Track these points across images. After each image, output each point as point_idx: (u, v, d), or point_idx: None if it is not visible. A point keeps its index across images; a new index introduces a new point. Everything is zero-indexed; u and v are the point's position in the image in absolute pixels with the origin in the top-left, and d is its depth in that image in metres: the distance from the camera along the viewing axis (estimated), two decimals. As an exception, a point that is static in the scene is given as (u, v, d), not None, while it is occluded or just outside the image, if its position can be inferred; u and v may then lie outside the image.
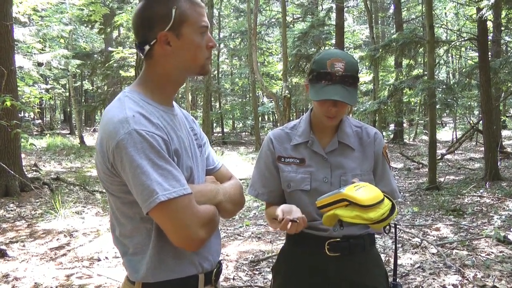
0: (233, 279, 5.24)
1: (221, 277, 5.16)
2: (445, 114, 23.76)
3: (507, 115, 27.08)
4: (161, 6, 1.67)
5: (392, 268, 2.40)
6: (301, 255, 2.29)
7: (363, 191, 1.88)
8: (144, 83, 1.76)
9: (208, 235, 1.66)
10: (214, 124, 37.59)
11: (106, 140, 1.57)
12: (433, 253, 5.86)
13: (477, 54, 12.27)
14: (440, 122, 32.73)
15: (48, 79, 28.88)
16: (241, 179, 12.43)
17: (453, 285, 4.84)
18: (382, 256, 5.68)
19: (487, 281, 4.88)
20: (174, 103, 1.85)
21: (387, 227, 2.02)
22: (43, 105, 34.90)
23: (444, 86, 12.02)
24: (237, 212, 1.97)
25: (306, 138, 2.30)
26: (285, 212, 2.00)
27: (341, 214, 1.87)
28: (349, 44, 31.00)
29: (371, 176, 2.27)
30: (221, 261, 1.94)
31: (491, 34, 14.37)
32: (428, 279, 5.01)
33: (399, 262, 5.54)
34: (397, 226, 2.12)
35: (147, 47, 1.69)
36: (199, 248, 1.66)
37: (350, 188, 1.89)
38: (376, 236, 6.59)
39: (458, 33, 16.01)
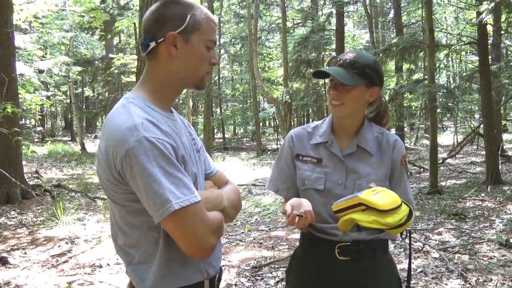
0: (235, 285, 5.23)
1: (224, 283, 5.17)
2: (446, 118, 23.72)
3: (508, 118, 27.06)
4: (177, 8, 1.69)
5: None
6: (312, 257, 2.32)
7: (381, 196, 1.89)
8: (146, 87, 1.75)
9: (217, 241, 1.66)
10: (215, 130, 37.62)
11: (112, 148, 1.55)
12: (435, 258, 5.85)
13: (477, 58, 12.28)
14: (441, 126, 32.70)
15: (49, 86, 28.94)
16: (242, 185, 12.48)
17: (455, 289, 4.84)
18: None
19: (490, 285, 4.88)
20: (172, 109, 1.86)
21: (404, 233, 2.02)
22: (44, 112, 34.96)
23: (444, 90, 12.02)
24: (236, 216, 1.99)
25: (326, 138, 2.32)
26: (294, 206, 2.03)
27: (358, 219, 1.87)
28: (350, 49, 31.02)
29: (387, 183, 2.26)
30: (221, 266, 1.95)
31: (491, 38, 14.37)
32: (430, 284, 5.00)
33: (401, 266, 5.54)
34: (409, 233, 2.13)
35: (152, 43, 1.69)
36: (209, 255, 1.66)
37: (367, 193, 1.89)
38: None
39: (458, 37, 16.03)
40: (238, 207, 1.95)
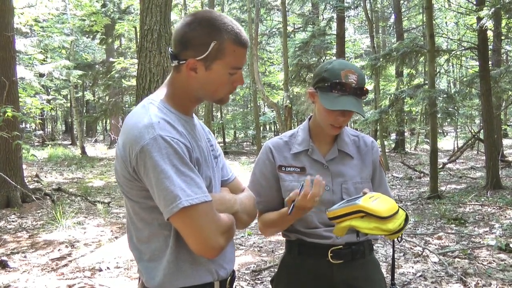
0: (235, 289, 5.23)
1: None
2: (446, 123, 23.69)
3: (508, 124, 27.07)
4: (203, 33, 1.67)
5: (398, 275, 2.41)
6: (304, 264, 2.30)
7: (380, 203, 1.90)
8: (167, 91, 1.79)
9: (227, 243, 1.68)
10: (216, 134, 37.60)
11: (129, 144, 1.60)
12: (434, 262, 5.85)
13: (477, 63, 12.29)
14: (441, 131, 32.69)
15: (49, 90, 28.93)
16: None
17: (455, 294, 4.84)
18: (384, 264, 5.67)
19: (489, 290, 4.88)
20: (193, 114, 1.88)
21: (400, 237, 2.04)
22: (44, 116, 34.96)
23: (445, 95, 12.05)
24: (250, 223, 1.99)
25: (306, 146, 2.32)
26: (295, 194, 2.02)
27: (359, 226, 1.88)
28: (350, 54, 31.00)
29: (370, 184, 2.31)
30: (234, 270, 1.95)
31: (492, 43, 14.39)
32: (430, 288, 5.01)
33: (401, 271, 5.55)
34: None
35: (175, 62, 1.72)
36: (217, 255, 1.67)
37: (366, 200, 1.89)
38: (378, 244, 6.59)
39: (458, 42, 16.02)
40: (253, 213, 1.96)
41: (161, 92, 1.80)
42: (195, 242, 1.59)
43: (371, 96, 21.14)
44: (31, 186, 11.66)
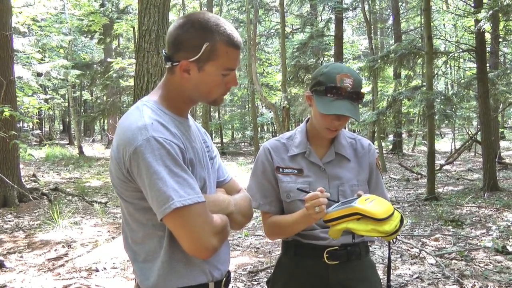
0: (231, 289, 5.23)
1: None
2: (443, 125, 23.73)
3: (506, 126, 27.09)
4: (195, 35, 1.67)
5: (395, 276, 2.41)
6: (300, 265, 2.30)
7: (376, 205, 1.90)
8: (161, 93, 1.79)
9: (220, 244, 1.69)
10: (213, 135, 37.62)
11: (123, 146, 1.60)
12: (431, 264, 5.86)
13: (475, 65, 12.29)
14: (438, 132, 32.72)
15: (47, 89, 28.92)
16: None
17: (451, 296, 4.85)
18: (381, 266, 5.68)
19: (486, 292, 4.88)
20: (188, 115, 1.88)
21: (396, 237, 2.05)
22: (42, 115, 34.90)
23: (442, 97, 12.05)
24: (246, 224, 1.99)
25: (303, 149, 2.32)
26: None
27: (355, 228, 1.89)
28: (348, 55, 31.02)
29: (366, 187, 2.32)
30: (230, 271, 1.96)
31: (489, 46, 14.40)
32: (426, 290, 5.01)
33: (397, 272, 5.55)
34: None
35: (169, 64, 1.73)
36: (210, 256, 1.67)
37: (362, 202, 1.90)
38: (375, 246, 6.59)
39: (456, 44, 16.02)
40: (248, 214, 1.96)
41: (156, 93, 1.81)
42: (188, 242, 1.60)
43: (369, 97, 21.14)
44: (28, 186, 11.64)
